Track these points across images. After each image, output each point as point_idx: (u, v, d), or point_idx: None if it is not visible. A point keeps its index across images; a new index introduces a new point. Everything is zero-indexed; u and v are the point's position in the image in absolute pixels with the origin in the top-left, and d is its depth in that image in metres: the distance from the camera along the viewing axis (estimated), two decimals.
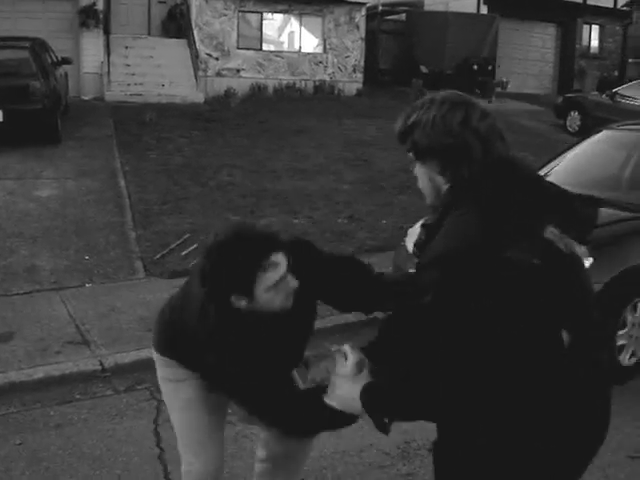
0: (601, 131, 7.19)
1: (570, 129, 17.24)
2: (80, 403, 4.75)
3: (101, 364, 5.27)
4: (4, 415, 4.56)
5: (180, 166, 11.40)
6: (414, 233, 5.90)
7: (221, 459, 2.93)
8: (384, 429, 1.97)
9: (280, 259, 2.35)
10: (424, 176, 2.05)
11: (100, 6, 17.88)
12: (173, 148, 12.63)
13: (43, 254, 7.67)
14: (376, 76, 21.94)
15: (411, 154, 2.05)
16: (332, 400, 2.16)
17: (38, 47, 12.83)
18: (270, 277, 2.32)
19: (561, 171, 6.69)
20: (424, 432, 4.25)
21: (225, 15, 19.42)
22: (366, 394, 2.01)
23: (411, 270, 2.19)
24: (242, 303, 2.37)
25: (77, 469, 3.90)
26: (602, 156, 6.90)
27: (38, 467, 3.92)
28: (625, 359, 5.08)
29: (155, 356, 2.94)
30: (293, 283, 2.39)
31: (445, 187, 2.00)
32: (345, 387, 2.11)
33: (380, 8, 22.70)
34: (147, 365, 5.20)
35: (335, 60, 20.65)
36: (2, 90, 11.57)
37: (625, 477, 3.86)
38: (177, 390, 2.87)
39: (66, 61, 14.64)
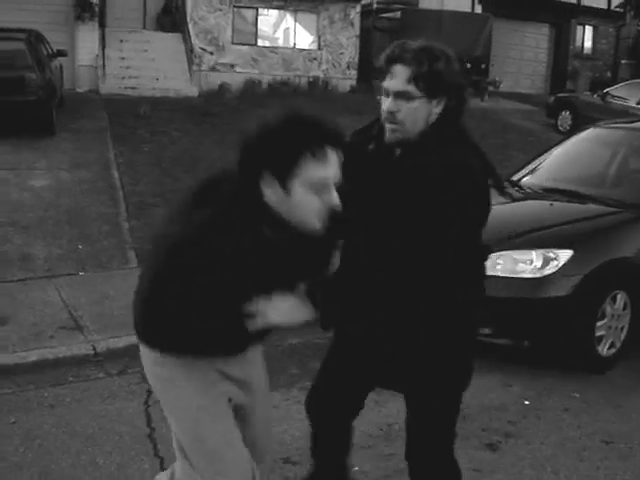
0: (588, 129, 7.33)
1: (561, 128, 17.40)
2: (73, 385, 4.87)
3: (94, 348, 5.39)
4: None
5: (173, 159, 11.50)
6: None
7: None
8: (329, 321, 2.22)
9: (334, 159, 2.15)
10: (423, 111, 2.42)
11: None
12: (167, 141, 12.74)
13: (37, 243, 7.78)
14: (370, 73, 22.04)
15: (409, 88, 2.38)
16: (276, 316, 2.22)
17: (34, 39, 12.89)
18: (315, 170, 2.11)
19: (548, 167, 6.85)
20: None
21: (220, 10, 19.51)
22: (313, 288, 2.24)
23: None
24: (272, 192, 2.14)
25: (70, 446, 4.02)
26: (588, 153, 7.04)
27: (32, 444, 4.04)
28: (604, 350, 5.22)
29: None
30: (335, 201, 2.17)
31: (432, 120, 2.45)
32: (289, 299, 2.25)
33: (375, 6, 22.81)
34: (138, 350, 5.37)
35: (329, 57, 20.76)
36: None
37: (599, 460, 4.00)
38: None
39: (61, 53, 14.71)
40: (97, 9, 17.99)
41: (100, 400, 4.63)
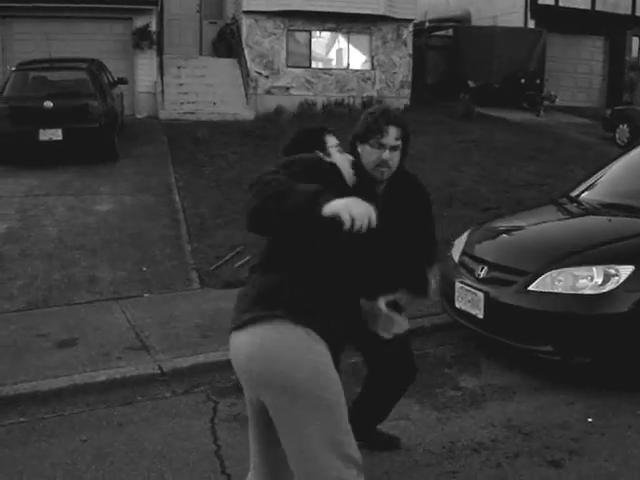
0: None
1: (619, 142, 17.13)
2: (141, 404, 5.02)
3: (160, 368, 5.53)
4: (70, 415, 4.84)
5: (232, 181, 11.71)
6: (460, 243, 6.08)
7: None
8: None
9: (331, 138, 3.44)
10: (398, 157, 3.28)
11: (153, 27, 18.42)
12: (225, 164, 12.97)
13: (103, 266, 8.02)
14: (423, 92, 22.09)
15: (398, 143, 3.25)
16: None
17: (95, 68, 13.31)
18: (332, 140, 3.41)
19: (607, 182, 6.77)
20: (469, 433, 4.42)
21: (274, 34, 19.82)
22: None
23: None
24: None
25: (139, 463, 4.15)
26: None
27: (103, 461, 4.18)
28: None
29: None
30: (387, 156, 3.24)
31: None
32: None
33: (427, 24, 22.88)
34: (203, 369, 5.51)
35: (383, 76, 20.87)
36: (61, 109, 12.04)
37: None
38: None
39: (122, 81, 15.14)
40: (155, 37, 18.45)
41: (167, 419, 4.76)
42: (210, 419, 4.69)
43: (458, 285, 5.58)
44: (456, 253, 6.01)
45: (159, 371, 5.51)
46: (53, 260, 8.14)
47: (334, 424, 2.65)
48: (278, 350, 2.66)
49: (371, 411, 4.13)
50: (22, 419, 4.80)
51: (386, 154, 3.21)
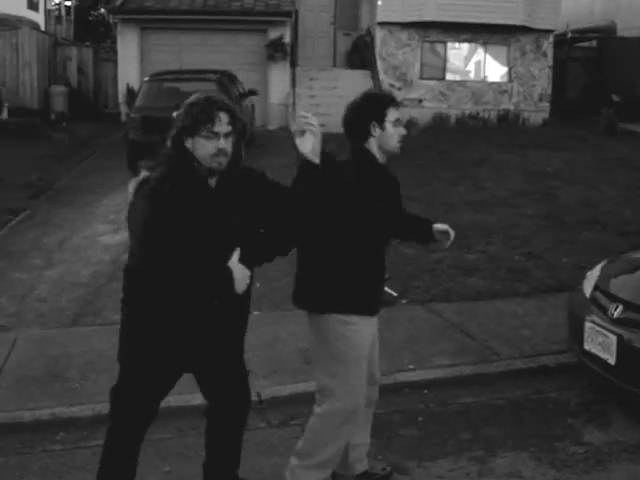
0: None
1: None
2: None
3: (258, 395, 5.23)
4: (158, 440, 4.61)
5: None
6: (593, 276, 5.44)
7: None
8: None
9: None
10: (231, 143, 3.24)
11: (287, 39, 18.47)
12: None
13: None
14: (563, 105, 21.07)
15: (230, 128, 3.20)
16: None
17: (226, 79, 13.41)
18: (394, 114, 3.68)
19: None
20: None
21: (409, 46, 19.47)
22: None
23: None
24: (377, 132, 3.63)
25: None
26: None
27: None
28: None
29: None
30: (404, 131, 3.70)
31: None
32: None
33: (569, 35, 21.83)
34: (302, 399, 5.16)
35: (520, 89, 20.08)
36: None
37: None
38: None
39: (252, 92, 15.21)
40: (289, 49, 18.51)
41: (257, 453, 4.44)
42: None
43: (588, 325, 4.96)
44: (588, 287, 5.36)
45: (257, 398, 5.21)
46: None
47: None
48: None
49: (221, 457, 3.79)
50: None
51: (222, 142, 3.12)
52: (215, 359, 3.52)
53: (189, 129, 3.12)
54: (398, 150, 3.67)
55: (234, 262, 3.19)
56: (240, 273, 3.20)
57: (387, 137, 3.60)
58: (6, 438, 4.67)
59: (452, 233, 3.96)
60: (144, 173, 3.34)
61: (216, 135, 3.11)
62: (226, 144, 3.14)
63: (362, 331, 3.60)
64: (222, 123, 3.11)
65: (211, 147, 3.11)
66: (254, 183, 3.42)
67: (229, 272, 3.19)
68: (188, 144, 3.16)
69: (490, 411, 4.84)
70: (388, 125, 3.57)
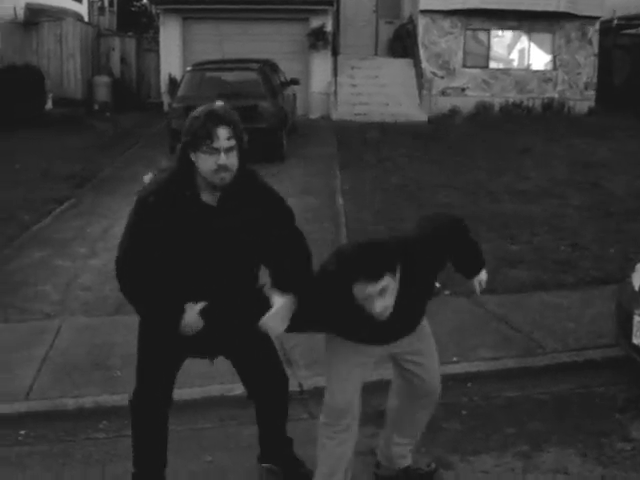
0: None
1: None
2: None
3: (300, 386, 5.21)
4: (200, 430, 4.62)
5: (398, 186, 11.31)
6: None
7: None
8: None
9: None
10: (236, 158, 3.15)
11: (329, 28, 18.39)
12: (392, 167, 12.60)
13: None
14: (609, 94, 20.65)
15: (232, 143, 3.11)
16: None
17: (268, 69, 13.39)
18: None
19: None
20: None
21: (452, 34, 19.26)
22: None
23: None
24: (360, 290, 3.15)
25: None
26: None
27: None
28: None
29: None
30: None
31: None
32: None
33: (615, 22, 21.36)
34: None
35: (565, 77, 19.75)
36: (232, 109, 12.19)
37: None
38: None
39: (294, 82, 15.19)
40: (330, 37, 18.43)
41: (299, 444, 4.41)
42: None
43: (637, 318, 4.83)
44: (637, 279, 5.22)
45: (299, 389, 5.19)
46: None
47: None
48: None
49: (270, 433, 3.96)
50: None
51: (222, 158, 3.03)
52: (229, 347, 3.60)
53: (191, 144, 3.06)
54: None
55: (193, 307, 3.22)
56: (192, 319, 3.24)
57: None
58: (50, 426, 4.71)
59: (484, 284, 3.87)
60: (149, 175, 3.35)
61: (216, 151, 3.02)
62: (227, 159, 3.04)
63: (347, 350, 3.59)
64: (221, 139, 3.02)
65: (212, 163, 3.03)
66: (265, 206, 3.29)
67: (179, 310, 3.23)
68: (193, 158, 3.10)
69: (534, 405, 4.75)
70: None
